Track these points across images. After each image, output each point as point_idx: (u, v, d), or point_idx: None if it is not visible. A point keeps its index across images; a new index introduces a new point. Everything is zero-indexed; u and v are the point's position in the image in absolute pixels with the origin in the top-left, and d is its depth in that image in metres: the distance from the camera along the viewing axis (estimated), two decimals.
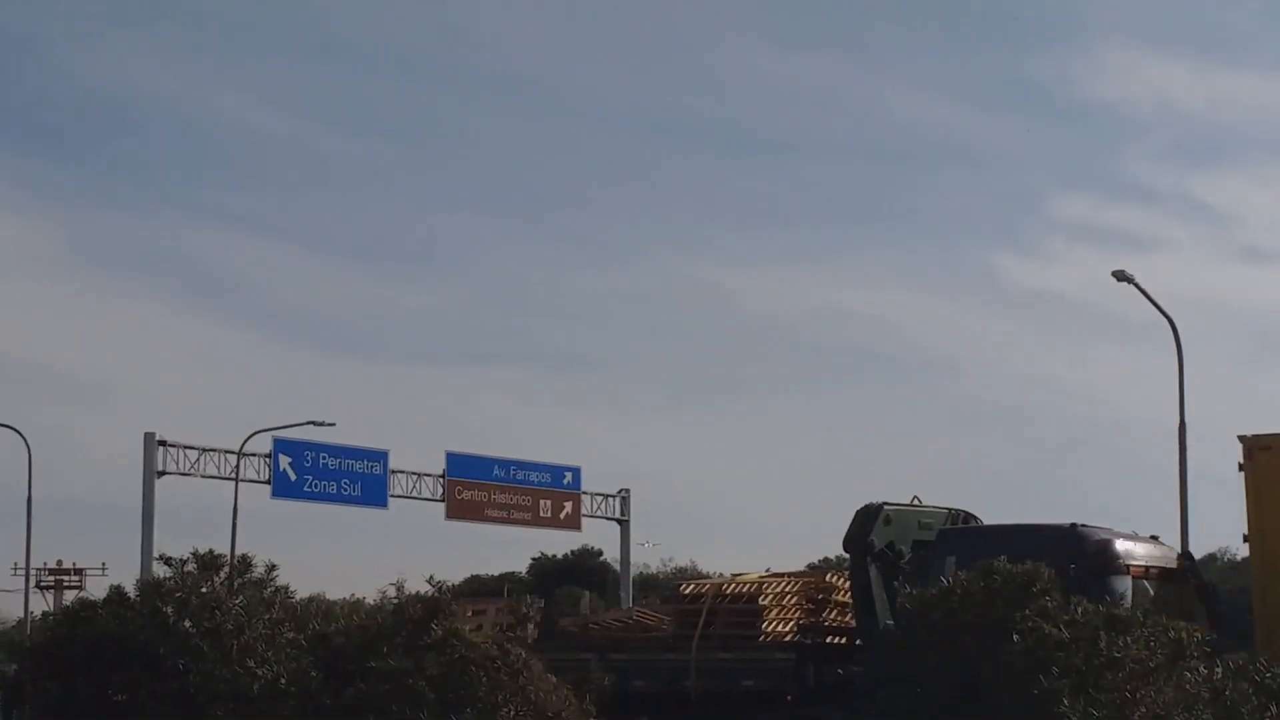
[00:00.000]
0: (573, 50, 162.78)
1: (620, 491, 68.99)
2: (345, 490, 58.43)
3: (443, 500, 61.69)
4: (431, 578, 29.80)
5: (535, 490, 64.76)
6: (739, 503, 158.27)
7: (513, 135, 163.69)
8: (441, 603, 28.91)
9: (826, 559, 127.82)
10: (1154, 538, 32.52)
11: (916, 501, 34.42)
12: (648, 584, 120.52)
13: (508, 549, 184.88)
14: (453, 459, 61.96)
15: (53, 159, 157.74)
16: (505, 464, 64.18)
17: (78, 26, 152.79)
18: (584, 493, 66.81)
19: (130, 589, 30.74)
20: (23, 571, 64.78)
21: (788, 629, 34.44)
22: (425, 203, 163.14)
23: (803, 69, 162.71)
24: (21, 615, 71.57)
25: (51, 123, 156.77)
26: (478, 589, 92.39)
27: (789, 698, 34.18)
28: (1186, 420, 37.09)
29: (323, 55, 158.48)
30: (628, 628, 35.90)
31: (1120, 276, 37.30)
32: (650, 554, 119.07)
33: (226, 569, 31.03)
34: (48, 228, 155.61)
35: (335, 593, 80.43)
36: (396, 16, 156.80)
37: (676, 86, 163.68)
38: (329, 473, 57.78)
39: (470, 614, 33.99)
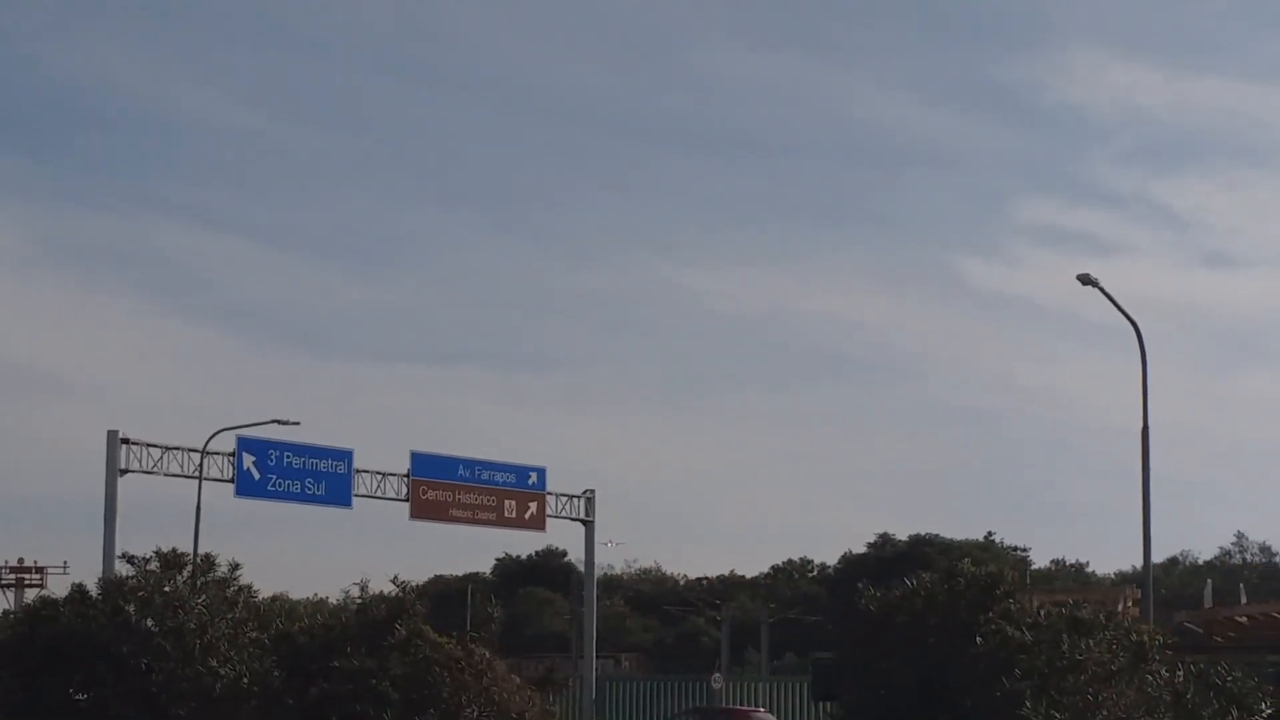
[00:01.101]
0: (545, 49, 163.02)
1: (585, 492, 68.94)
2: (309, 489, 58.21)
3: (407, 500, 61.54)
4: (395, 578, 29.79)
5: (500, 490, 64.62)
6: (703, 503, 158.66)
7: (483, 133, 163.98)
8: (405, 603, 28.88)
9: (790, 560, 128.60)
10: None
11: None
12: (612, 585, 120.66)
13: (472, 549, 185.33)
14: (417, 458, 61.80)
15: (19, 153, 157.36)
16: (470, 464, 64.01)
17: (46, 21, 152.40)
18: (549, 493, 66.71)
19: (92, 587, 30.65)
20: None
21: None
22: (393, 200, 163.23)
23: (773, 69, 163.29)
24: None
25: (18, 117, 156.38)
26: (441, 589, 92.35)
27: None
28: (1150, 424, 37.25)
29: (293, 52, 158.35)
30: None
31: (1085, 280, 37.41)
32: (614, 555, 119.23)
33: (189, 568, 30.96)
34: (12, 222, 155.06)
35: (299, 592, 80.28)
36: (369, 13, 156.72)
37: (649, 86, 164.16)
38: (293, 471, 57.55)
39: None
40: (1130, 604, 52.99)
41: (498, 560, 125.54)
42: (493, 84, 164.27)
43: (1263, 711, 24.45)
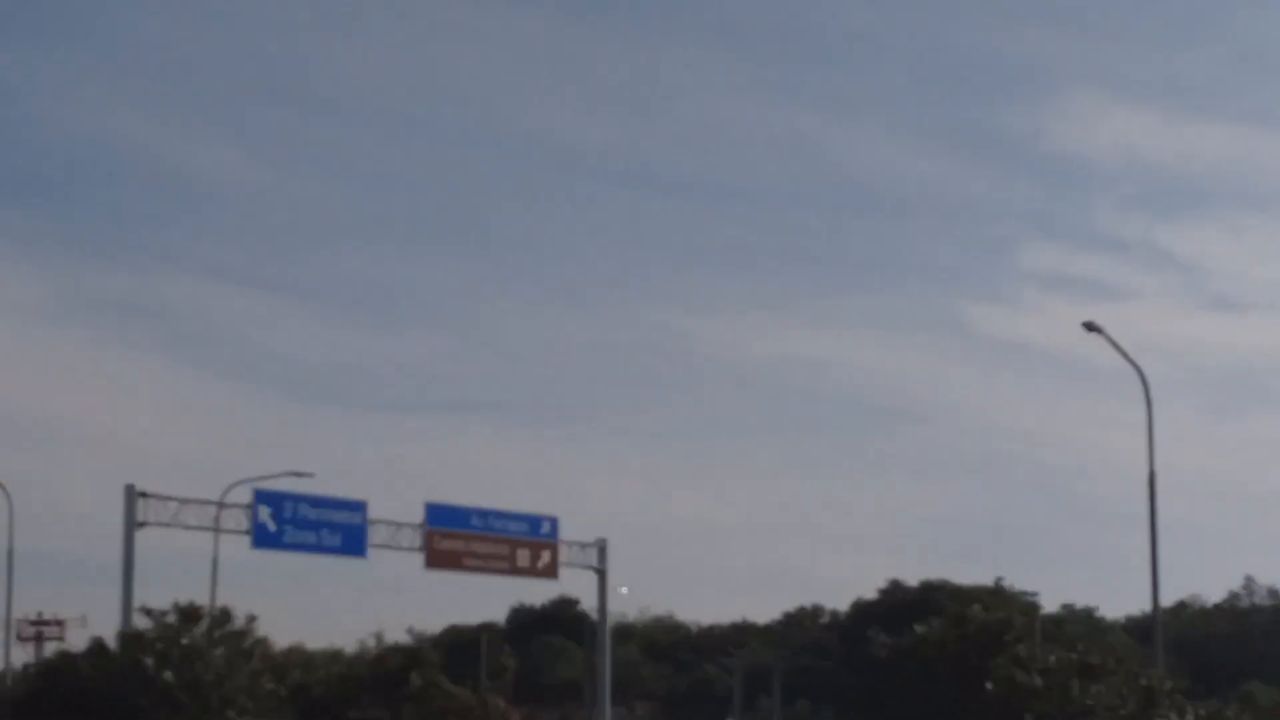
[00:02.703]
0: (547, 100, 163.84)
1: (597, 541, 69.13)
2: (325, 540, 58.44)
3: (422, 550, 61.76)
4: (410, 629, 30.12)
5: (513, 540, 64.80)
6: (715, 551, 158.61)
7: (490, 185, 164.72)
8: (420, 653, 29.23)
9: (801, 607, 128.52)
10: None
11: None
12: (625, 633, 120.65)
13: (486, 598, 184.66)
14: (432, 509, 62.02)
15: (35, 209, 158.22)
16: (484, 513, 64.22)
17: (58, 78, 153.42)
18: (561, 541, 66.88)
19: (111, 640, 30.94)
20: (3, 623, 64.70)
21: None
22: (403, 253, 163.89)
23: (775, 119, 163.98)
24: (2, 667, 71.40)
25: (34, 173, 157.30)
26: (456, 639, 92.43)
27: None
28: (1156, 469, 37.46)
29: (302, 108, 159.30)
30: None
31: (1090, 327, 37.71)
32: (628, 603, 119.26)
33: (207, 620, 31.26)
34: (30, 277, 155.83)
35: (315, 643, 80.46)
36: (376, 70, 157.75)
37: (649, 136, 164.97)
38: (309, 523, 57.81)
39: None
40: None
41: (512, 609, 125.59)
42: (499, 137, 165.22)
43: None
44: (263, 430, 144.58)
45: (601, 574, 69.20)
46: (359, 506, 59.79)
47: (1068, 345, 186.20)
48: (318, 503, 58.19)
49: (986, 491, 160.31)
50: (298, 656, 34.20)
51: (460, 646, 75.65)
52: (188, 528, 55.14)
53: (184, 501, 54.98)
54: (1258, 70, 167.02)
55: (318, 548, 58.40)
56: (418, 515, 61.67)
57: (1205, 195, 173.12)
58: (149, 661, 29.61)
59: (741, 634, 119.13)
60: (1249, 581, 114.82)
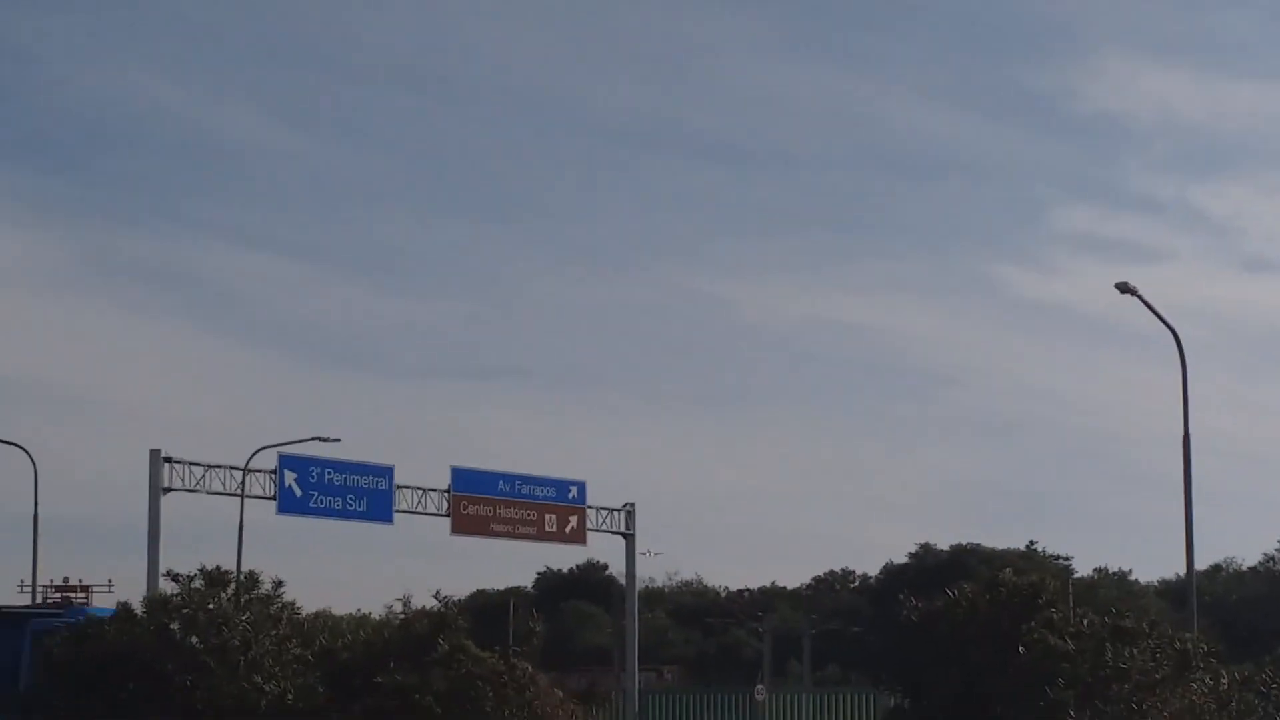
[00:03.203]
0: (572, 62, 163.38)
1: (625, 505, 68.89)
2: (351, 506, 58.30)
3: (448, 515, 61.57)
4: (438, 593, 29.88)
5: (540, 505, 64.60)
6: (744, 515, 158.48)
7: (515, 148, 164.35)
8: (447, 618, 28.98)
9: (831, 571, 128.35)
10: None
11: None
12: (653, 598, 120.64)
13: (513, 564, 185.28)
14: (458, 474, 61.84)
15: (57, 174, 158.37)
16: (510, 478, 64.03)
17: (80, 42, 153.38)
18: (589, 507, 66.66)
19: (137, 606, 30.80)
20: (29, 589, 64.71)
21: None
22: (428, 216, 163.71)
23: (803, 80, 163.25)
24: None
25: (55, 138, 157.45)
26: (483, 604, 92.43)
27: None
28: (1190, 432, 37.07)
29: (325, 70, 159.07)
30: None
31: (1123, 289, 37.27)
32: (655, 568, 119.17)
33: (233, 585, 31.08)
34: (52, 243, 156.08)
35: (341, 608, 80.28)
36: (398, 32, 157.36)
37: (677, 97, 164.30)
38: (334, 488, 57.66)
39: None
40: None
41: (539, 574, 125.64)
42: (524, 99, 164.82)
43: None
44: (288, 395, 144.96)
45: (629, 538, 69.01)
46: (385, 472, 59.65)
47: (1101, 307, 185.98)
48: (343, 468, 58.06)
49: (1018, 455, 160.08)
50: (324, 621, 33.94)
51: (488, 611, 75.44)
52: (213, 493, 55.07)
53: (209, 467, 54.89)
54: None
55: (343, 513, 58.28)
56: (444, 480, 61.53)
57: (1239, 155, 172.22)
58: (175, 626, 29.45)
59: (770, 598, 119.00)
60: None
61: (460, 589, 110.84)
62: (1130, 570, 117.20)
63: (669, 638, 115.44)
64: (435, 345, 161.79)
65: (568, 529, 65.94)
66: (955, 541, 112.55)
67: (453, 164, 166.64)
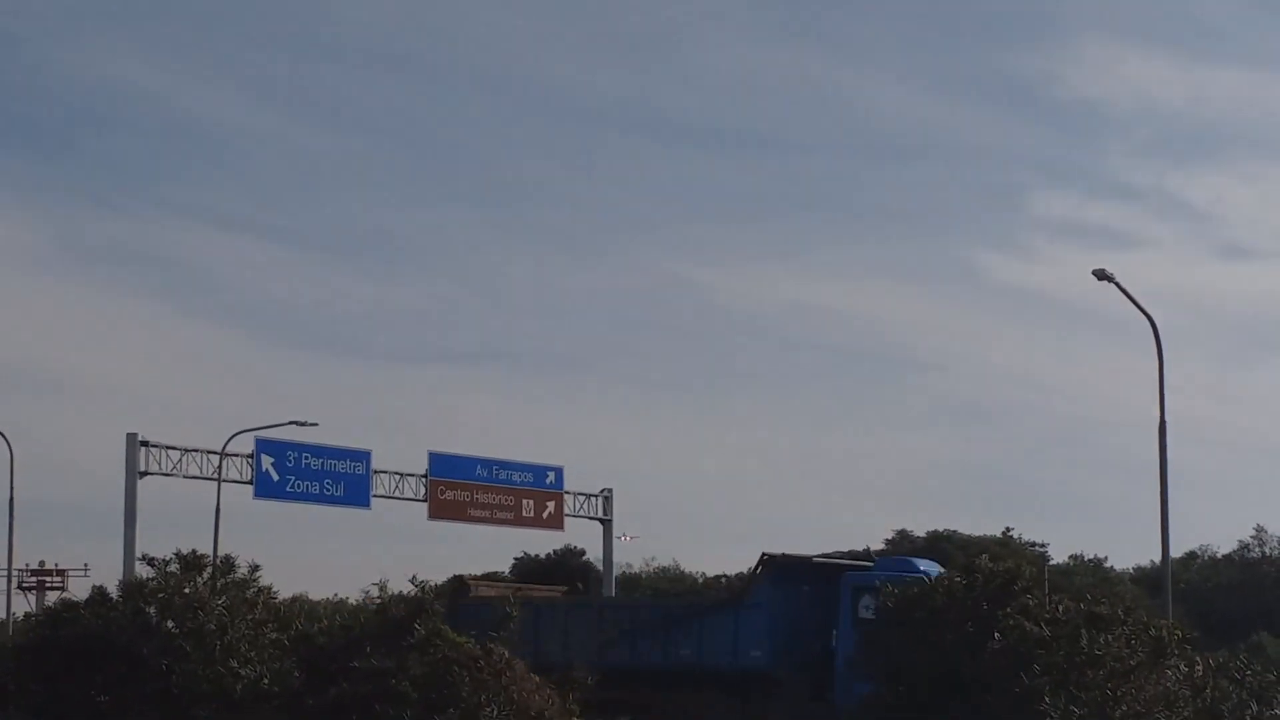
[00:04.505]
0: (551, 45, 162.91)
1: (603, 491, 69.04)
2: (328, 490, 58.37)
3: (425, 500, 61.67)
4: (414, 578, 29.85)
5: (518, 490, 64.72)
6: (721, 500, 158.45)
7: (493, 131, 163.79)
8: (424, 602, 28.95)
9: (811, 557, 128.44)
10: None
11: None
12: (631, 583, 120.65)
13: (490, 549, 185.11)
14: (435, 459, 61.92)
15: (36, 156, 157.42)
16: (488, 463, 64.15)
17: (60, 23, 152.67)
18: (566, 492, 66.82)
19: (113, 590, 30.77)
20: (4, 572, 64.70)
21: None
22: (406, 199, 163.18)
23: (783, 63, 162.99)
24: (3, 616, 71.44)
25: (34, 119, 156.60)
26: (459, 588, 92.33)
27: None
28: (1167, 419, 37.17)
29: (303, 52, 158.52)
30: None
31: (1100, 275, 37.34)
32: (633, 553, 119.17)
33: (209, 569, 31.07)
34: (30, 225, 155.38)
35: (318, 593, 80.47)
36: (376, 13, 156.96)
37: (656, 81, 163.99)
38: (311, 473, 57.73)
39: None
40: None
41: (516, 560, 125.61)
42: (502, 82, 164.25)
43: None
44: (266, 379, 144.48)
45: (607, 524, 69.11)
46: (362, 456, 59.71)
47: (1079, 294, 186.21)
48: (321, 452, 58.11)
49: (996, 440, 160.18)
50: (301, 606, 33.94)
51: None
52: (189, 477, 55.07)
53: (186, 450, 54.86)
54: (1273, 14, 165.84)
55: (321, 498, 58.36)
56: (421, 465, 61.54)
57: (1219, 142, 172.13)
58: (151, 610, 29.42)
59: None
60: (1259, 531, 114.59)
61: (437, 574, 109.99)
62: (1106, 557, 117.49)
63: None
64: (413, 329, 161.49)
65: (545, 514, 66.06)
66: (932, 528, 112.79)
67: (431, 147, 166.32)
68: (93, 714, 28.86)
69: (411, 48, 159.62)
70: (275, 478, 56.69)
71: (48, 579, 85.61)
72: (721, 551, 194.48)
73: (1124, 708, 26.71)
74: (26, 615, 62.75)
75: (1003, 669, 27.72)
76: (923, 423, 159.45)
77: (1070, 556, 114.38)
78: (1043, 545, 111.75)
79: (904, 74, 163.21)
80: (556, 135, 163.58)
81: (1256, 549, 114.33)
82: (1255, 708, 27.73)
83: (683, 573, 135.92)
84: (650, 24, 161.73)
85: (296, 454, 57.33)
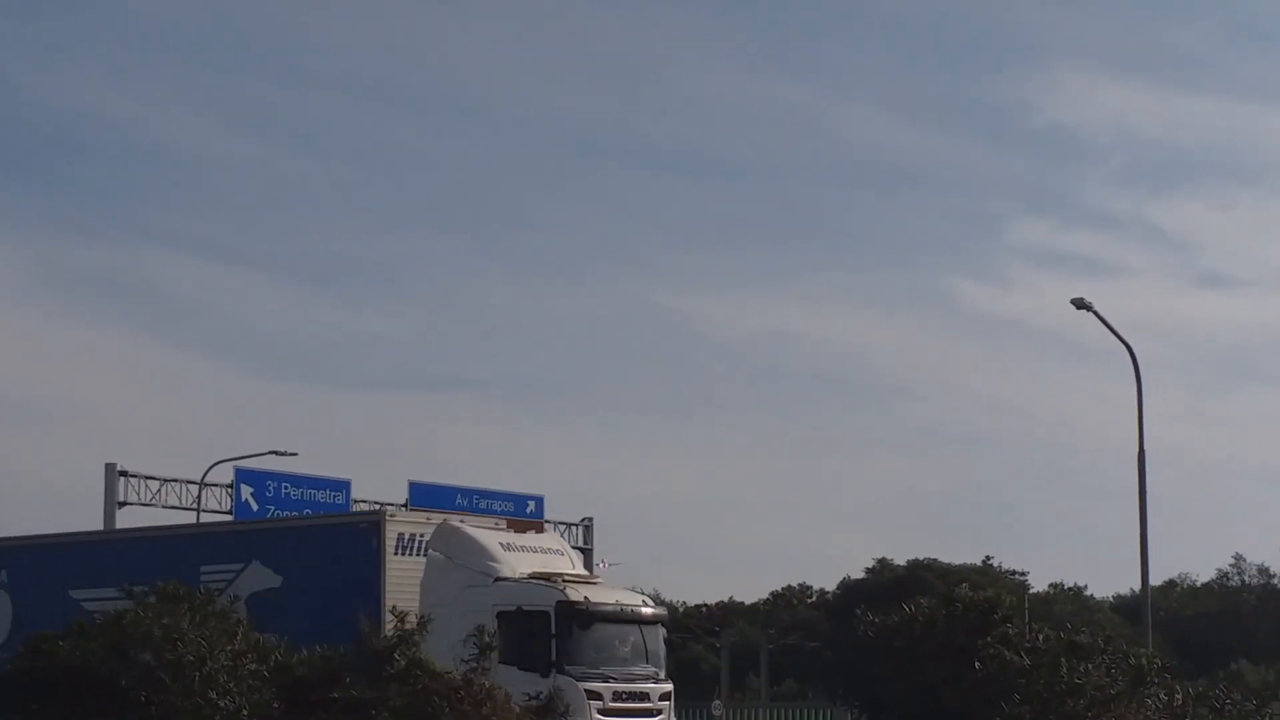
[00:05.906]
0: (531, 72, 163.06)
1: (583, 520, 68.99)
2: None
3: None
4: (394, 608, 29.78)
5: (498, 519, 64.61)
6: (701, 529, 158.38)
7: (471, 159, 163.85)
8: (405, 633, 28.89)
9: (789, 586, 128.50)
10: None
11: None
12: None
13: None
14: (415, 488, 61.84)
15: (11, 182, 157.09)
16: (468, 493, 64.03)
17: (34, 49, 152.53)
18: (547, 521, 66.74)
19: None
20: None
21: None
22: (384, 227, 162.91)
23: (763, 91, 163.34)
24: None
25: (9, 146, 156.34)
26: None
27: None
28: (1145, 447, 37.31)
29: (282, 79, 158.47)
30: None
31: (1079, 304, 37.49)
32: (612, 581, 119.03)
33: (188, 601, 30.97)
34: (7, 253, 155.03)
35: None
36: (356, 41, 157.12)
37: (636, 108, 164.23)
38: (291, 502, 57.62)
39: None
40: None
41: None
42: (481, 109, 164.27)
43: None
44: (245, 408, 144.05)
45: (587, 553, 69.03)
46: (342, 485, 59.61)
47: (1057, 322, 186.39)
48: (300, 482, 58.01)
49: (975, 469, 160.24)
50: (280, 637, 33.77)
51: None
52: (169, 507, 54.98)
53: (165, 480, 54.76)
54: (1248, 43, 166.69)
55: None
56: (402, 494, 61.45)
57: (1196, 170, 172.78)
58: (129, 642, 29.31)
59: (728, 613, 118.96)
60: (1239, 560, 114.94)
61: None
62: (1086, 585, 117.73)
63: None
64: (393, 357, 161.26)
65: None
66: (912, 556, 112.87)
67: (410, 174, 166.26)
68: None
69: (391, 74, 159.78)
70: (255, 507, 56.56)
71: None
72: (703, 580, 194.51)
73: None
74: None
75: (983, 698, 27.75)
76: (902, 451, 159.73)
77: (1050, 585, 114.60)
78: (1023, 574, 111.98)
79: (883, 103, 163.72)
80: (536, 162, 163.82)
81: (1235, 577, 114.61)
82: None
83: (662, 600, 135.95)
84: (631, 51, 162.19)
85: (276, 483, 57.23)
